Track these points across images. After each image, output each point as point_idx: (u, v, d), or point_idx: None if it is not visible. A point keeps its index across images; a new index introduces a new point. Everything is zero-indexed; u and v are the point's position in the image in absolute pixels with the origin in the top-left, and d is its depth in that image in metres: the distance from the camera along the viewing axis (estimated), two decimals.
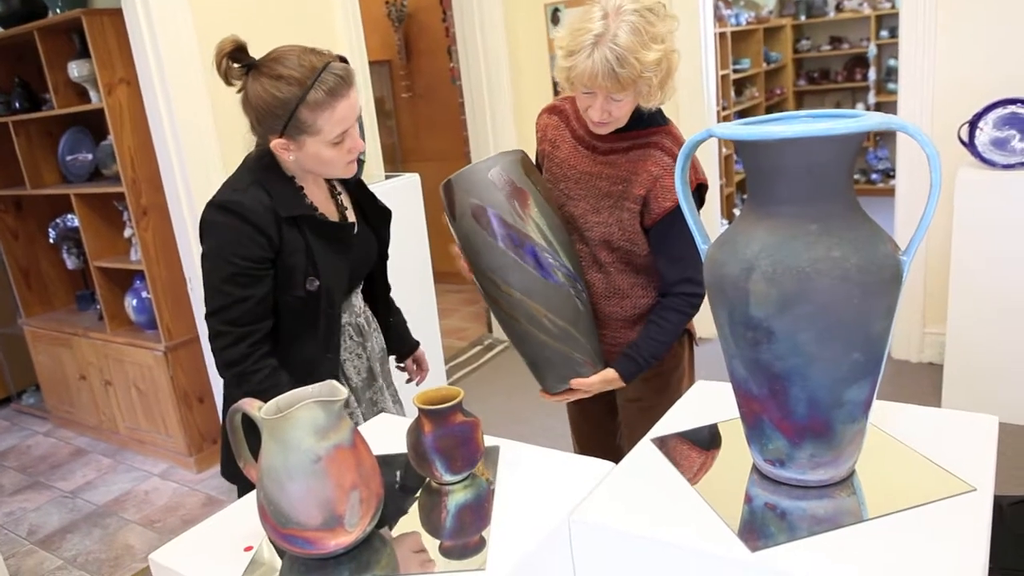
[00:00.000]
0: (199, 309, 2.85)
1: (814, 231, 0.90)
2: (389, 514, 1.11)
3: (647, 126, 1.57)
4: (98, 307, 3.53)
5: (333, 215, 1.54)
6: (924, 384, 3.24)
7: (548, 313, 1.52)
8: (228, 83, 1.41)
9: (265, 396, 1.38)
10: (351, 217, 1.60)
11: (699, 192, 1.55)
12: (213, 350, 1.44)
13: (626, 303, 1.66)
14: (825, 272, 0.87)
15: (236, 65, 1.39)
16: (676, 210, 1.52)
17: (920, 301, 3.36)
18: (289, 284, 1.45)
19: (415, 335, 1.90)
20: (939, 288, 3.22)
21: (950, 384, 2.92)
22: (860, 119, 0.87)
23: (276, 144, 1.41)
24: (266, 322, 1.45)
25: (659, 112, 1.59)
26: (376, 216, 1.66)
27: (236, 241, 1.39)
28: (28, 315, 3.84)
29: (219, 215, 1.40)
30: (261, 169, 1.45)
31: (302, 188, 1.48)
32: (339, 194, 1.60)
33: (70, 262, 3.72)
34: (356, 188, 1.65)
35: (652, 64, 1.42)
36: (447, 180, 1.53)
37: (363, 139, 2.92)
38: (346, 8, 3.11)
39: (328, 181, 1.57)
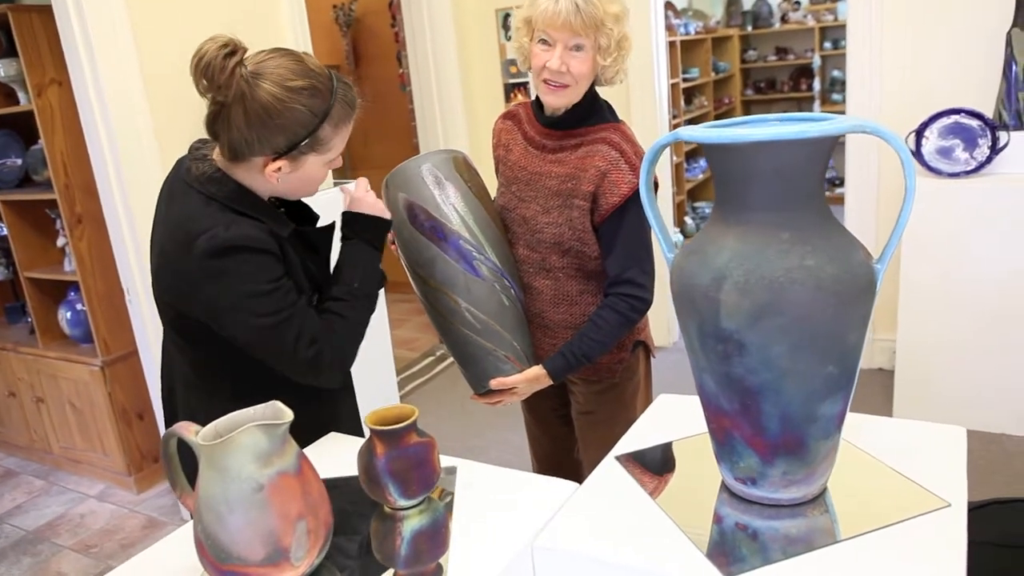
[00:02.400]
0: (138, 322, 2.72)
1: (787, 239, 0.86)
2: (339, 544, 1.04)
3: (597, 123, 1.55)
4: (29, 320, 3.36)
5: None
6: (875, 390, 3.27)
7: (470, 307, 1.52)
8: (214, 89, 1.17)
9: (365, 301, 1.34)
10: None
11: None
12: (325, 379, 1.28)
13: (575, 310, 1.61)
14: (799, 281, 0.84)
15: (243, 70, 1.16)
16: (623, 206, 1.50)
17: None
18: None
19: (366, 346, 1.82)
20: (889, 295, 3.26)
21: (901, 390, 2.95)
22: (832, 122, 0.84)
23: (270, 167, 1.22)
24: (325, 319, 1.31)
25: (610, 110, 1.59)
26: (305, 220, 1.51)
27: (260, 269, 1.21)
28: None
29: (228, 258, 1.19)
30: (227, 197, 1.24)
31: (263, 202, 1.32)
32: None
33: None
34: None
35: (613, 16, 1.45)
36: (385, 178, 1.55)
37: None
38: (293, 12, 3.02)
39: None
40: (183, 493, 1.00)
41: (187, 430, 0.92)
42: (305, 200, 1.47)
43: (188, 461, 1.18)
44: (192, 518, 0.93)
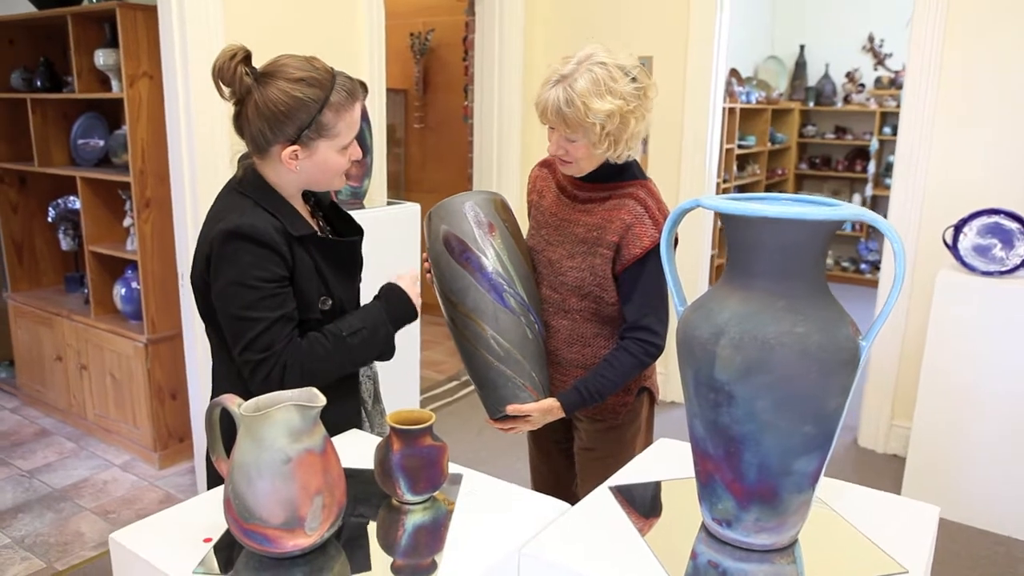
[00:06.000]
0: (187, 306, 2.89)
1: (782, 306, 0.96)
2: (348, 525, 1.14)
3: (626, 179, 1.67)
4: (86, 291, 3.55)
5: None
6: (886, 474, 3.28)
7: (495, 334, 1.62)
8: (231, 91, 1.36)
9: (354, 355, 1.45)
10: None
11: None
12: (257, 384, 1.34)
13: (587, 351, 1.72)
14: (787, 345, 0.93)
15: (247, 71, 1.35)
16: (644, 258, 1.61)
17: (890, 393, 3.43)
18: (304, 306, 1.41)
19: (395, 361, 1.92)
20: (910, 383, 3.29)
21: (911, 477, 2.97)
22: (835, 208, 0.94)
23: (286, 153, 1.37)
24: (297, 339, 1.39)
25: (638, 168, 1.70)
26: (350, 234, 1.63)
27: (255, 265, 1.33)
28: (14, 289, 3.85)
29: (232, 243, 1.33)
30: (254, 191, 1.40)
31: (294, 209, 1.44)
32: (319, 214, 1.60)
33: (65, 243, 3.75)
34: (330, 208, 1.63)
35: (600, 113, 1.54)
36: (430, 210, 1.68)
37: (369, 150, 2.98)
38: (372, 35, 3.21)
39: (306, 202, 1.55)
40: (219, 457, 1.12)
41: (231, 401, 1.04)
42: (356, 217, 1.62)
43: (224, 432, 1.30)
44: (223, 482, 1.05)
